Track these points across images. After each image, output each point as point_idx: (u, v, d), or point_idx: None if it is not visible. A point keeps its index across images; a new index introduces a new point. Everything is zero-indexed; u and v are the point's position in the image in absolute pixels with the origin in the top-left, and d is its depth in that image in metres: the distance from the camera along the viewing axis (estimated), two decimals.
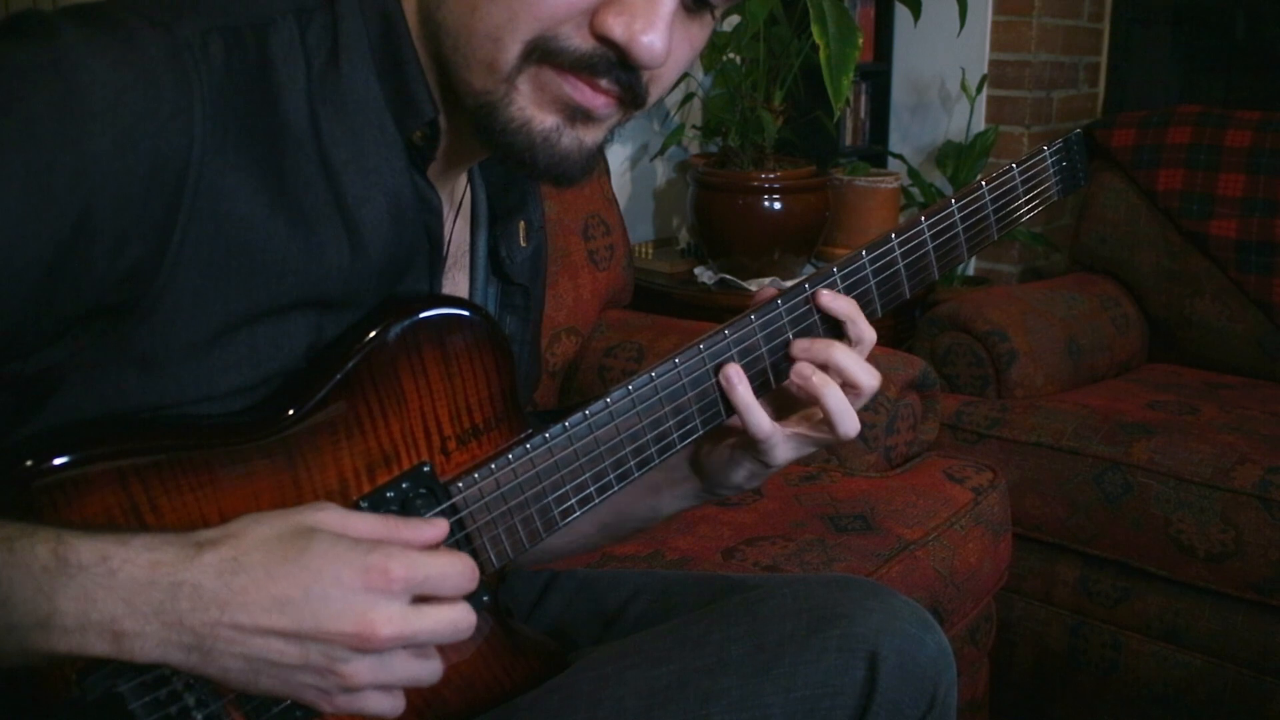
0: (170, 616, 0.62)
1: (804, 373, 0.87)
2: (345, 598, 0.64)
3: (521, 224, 0.92)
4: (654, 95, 0.77)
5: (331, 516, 0.68)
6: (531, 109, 0.73)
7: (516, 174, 0.90)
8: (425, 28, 0.75)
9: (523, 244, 0.92)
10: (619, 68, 0.72)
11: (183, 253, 0.67)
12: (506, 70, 0.71)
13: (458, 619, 0.69)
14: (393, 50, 0.74)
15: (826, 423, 0.87)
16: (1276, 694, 1.77)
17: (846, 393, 0.87)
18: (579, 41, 0.71)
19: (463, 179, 0.88)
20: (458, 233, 0.88)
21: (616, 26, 0.70)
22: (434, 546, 0.71)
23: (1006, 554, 1.66)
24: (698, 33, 0.77)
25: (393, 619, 0.65)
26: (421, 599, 0.68)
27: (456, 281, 0.89)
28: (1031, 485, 1.96)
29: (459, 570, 0.69)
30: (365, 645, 0.65)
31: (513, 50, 0.71)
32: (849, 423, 0.87)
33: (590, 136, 0.75)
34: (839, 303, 0.88)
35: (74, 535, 0.62)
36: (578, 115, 0.74)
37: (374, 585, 0.65)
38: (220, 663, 0.64)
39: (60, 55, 0.63)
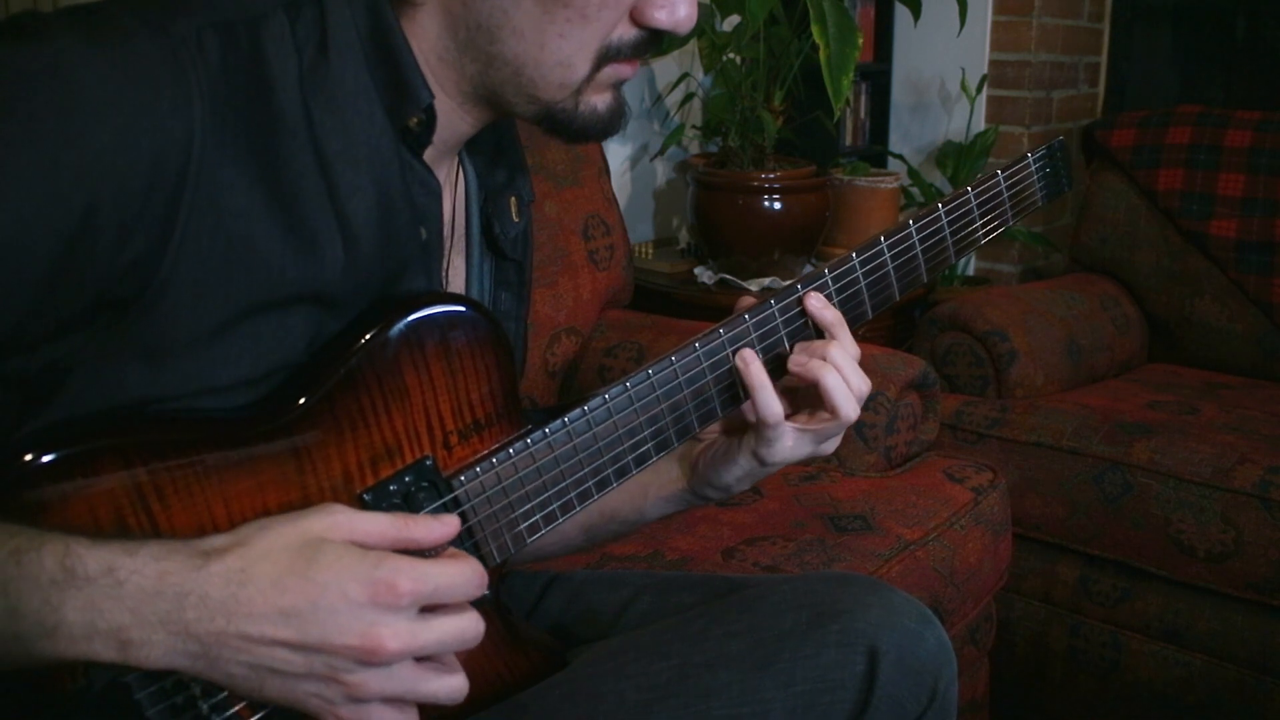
0: (176, 625, 0.62)
1: (801, 359, 0.88)
2: (352, 612, 0.65)
3: (512, 200, 0.93)
4: None
5: (340, 520, 0.68)
6: (595, 99, 0.81)
7: (513, 148, 0.94)
8: (467, 51, 0.78)
9: (515, 219, 0.93)
10: (655, 42, 0.80)
11: (184, 245, 0.67)
12: (579, 84, 0.79)
13: (465, 628, 0.69)
14: (382, 40, 0.76)
15: (827, 407, 0.88)
16: (1276, 694, 1.77)
17: None
18: (627, 34, 0.79)
19: (455, 160, 0.89)
20: (453, 213, 0.89)
21: (661, 16, 0.78)
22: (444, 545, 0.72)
23: (1006, 554, 1.66)
24: None
25: (399, 634, 0.65)
26: (429, 608, 0.68)
27: (454, 263, 0.90)
28: (1031, 485, 1.96)
29: (467, 577, 0.69)
30: (371, 659, 0.65)
31: (584, 69, 0.78)
32: (848, 405, 0.88)
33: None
34: (826, 312, 0.90)
35: (81, 545, 0.62)
36: (620, 84, 0.82)
37: (381, 600, 0.65)
38: (225, 669, 0.64)
39: (58, 57, 0.64)
